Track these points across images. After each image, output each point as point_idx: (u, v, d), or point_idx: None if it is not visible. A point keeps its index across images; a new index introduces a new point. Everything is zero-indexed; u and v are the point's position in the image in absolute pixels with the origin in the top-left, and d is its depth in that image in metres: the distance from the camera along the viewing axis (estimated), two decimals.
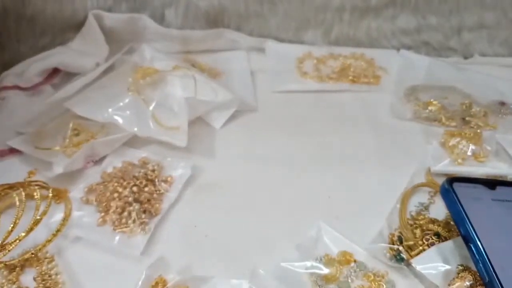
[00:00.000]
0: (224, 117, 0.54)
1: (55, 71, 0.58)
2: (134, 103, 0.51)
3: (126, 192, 0.44)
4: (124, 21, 0.61)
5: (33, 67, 0.56)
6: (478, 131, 0.51)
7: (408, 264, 0.40)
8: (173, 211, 0.45)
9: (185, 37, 0.63)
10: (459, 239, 0.41)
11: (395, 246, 0.41)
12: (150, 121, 0.51)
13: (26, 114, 0.54)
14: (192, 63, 0.62)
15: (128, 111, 0.51)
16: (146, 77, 0.53)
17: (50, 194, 0.43)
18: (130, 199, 0.44)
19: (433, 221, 0.44)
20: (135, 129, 0.50)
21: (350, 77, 0.61)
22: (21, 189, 0.43)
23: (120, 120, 0.50)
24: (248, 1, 0.62)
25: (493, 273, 0.34)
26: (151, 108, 0.51)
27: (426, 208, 0.46)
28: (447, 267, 0.38)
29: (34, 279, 0.39)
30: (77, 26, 0.61)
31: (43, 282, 0.39)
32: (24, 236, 0.40)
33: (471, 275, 0.37)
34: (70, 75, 0.58)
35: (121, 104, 0.51)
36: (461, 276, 0.37)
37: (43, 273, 0.40)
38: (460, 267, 0.38)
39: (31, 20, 0.59)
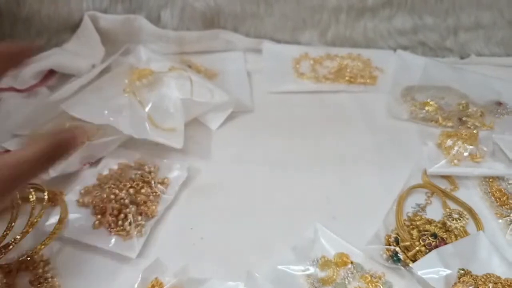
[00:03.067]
0: (220, 118, 0.54)
1: (50, 73, 0.57)
2: (130, 104, 0.51)
3: (122, 194, 0.44)
4: (119, 22, 0.61)
5: (28, 69, 0.55)
6: (475, 131, 0.51)
7: (405, 265, 0.40)
8: (170, 213, 0.45)
9: (181, 38, 0.63)
10: (459, 242, 0.41)
11: (392, 247, 0.41)
12: (146, 123, 0.50)
13: (21, 116, 0.53)
14: (188, 64, 0.62)
15: (124, 113, 0.50)
16: (142, 79, 0.52)
17: (46, 197, 0.43)
18: (127, 201, 0.44)
19: (430, 221, 0.44)
20: (131, 130, 0.49)
21: (347, 78, 0.61)
22: (16, 192, 0.43)
23: (116, 122, 0.50)
24: (244, 2, 0.62)
25: None
26: (147, 109, 0.51)
27: (423, 209, 0.46)
28: (448, 271, 0.38)
29: (30, 282, 0.39)
30: (73, 27, 0.60)
31: (39, 285, 0.39)
32: (20, 239, 0.40)
33: (472, 280, 0.37)
34: (65, 77, 0.58)
35: (117, 105, 0.51)
36: (463, 281, 0.37)
37: (39, 276, 0.39)
38: (461, 271, 0.38)
39: (26, 21, 0.58)
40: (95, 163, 0.49)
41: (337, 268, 0.40)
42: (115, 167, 0.48)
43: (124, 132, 0.49)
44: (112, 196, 0.44)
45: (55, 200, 0.45)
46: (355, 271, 0.40)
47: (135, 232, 0.42)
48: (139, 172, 0.47)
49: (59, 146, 0.32)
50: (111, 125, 0.49)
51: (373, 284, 0.39)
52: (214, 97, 0.53)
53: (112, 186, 0.45)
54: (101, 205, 0.44)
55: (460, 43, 0.66)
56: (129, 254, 0.41)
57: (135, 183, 0.46)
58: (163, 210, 0.45)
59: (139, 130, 0.50)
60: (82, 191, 0.46)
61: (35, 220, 0.41)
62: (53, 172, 0.45)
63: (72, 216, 0.43)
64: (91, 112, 0.50)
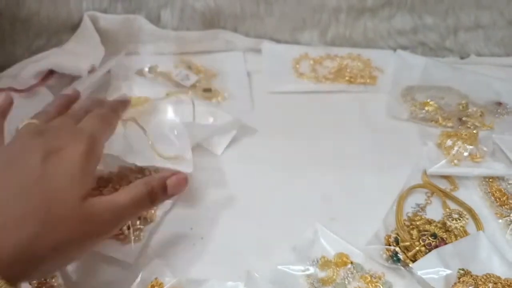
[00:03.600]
0: (225, 142, 0.51)
1: (50, 73, 0.57)
2: (129, 133, 0.48)
3: None
4: (119, 22, 0.61)
5: (28, 69, 0.55)
6: (474, 131, 0.51)
7: (405, 265, 0.40)
8: (170, 213, 0.45)
9: (181, 38, 0.63)
10: (459, 242, 0.41)
11: (392, 247, 0.41)
12: (150, 151, 0.47)
13: (20, 116, 0.53)
14: (188, 65, 0.62)
15: (123, 141, 0.47)
16: (138, 106, 0.50)
17: None
18: None
19: (430, 221, 0.44)
20: (135, 159, 0.46)
21: (347, 78, 0.61)
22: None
23: (116, 152, 0.46)
24: (244, 2, 0.62)
25: None
26: (148, 137, 0.47)
27: (423, 209, 0.46)
28: (448, 271, 0.38)
29: (30, 282, 0.39)
30: (72, 27, 0.60)
31: (39, 286, 0.39)
32: None
33: (472, 280, 0.37)
34: (65, 77, 0.58)
35: (116, 134, 0.46)
36: (463, 281, 0.37)
37: None
38: (461, 272, 0.38)
39: (25, 21, 0.58)
40: None
41: (337, 268, 0.40)
42: (115, 170, 0.48)
43: (127, 160, 0.46)
44: None
45: None
46: (355, 271, 0.40)
47: (133, 237, 0.42)
48: (139, 175, 0.47)
49: (151, 195, 0.36)
50: (107, 154, 0.45)
51: (373, 284, 0.39)
52: (217, 120, 0.52)
53: (112, 190, 0.45)
54: None
55: (460, 43, 0.66)
56: (127, 259, 0.40)
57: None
58: (162, 214, 0.44)
59: (143, 158, 0.47)
60: None
61: None
62: None
63: None
64: None
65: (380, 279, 0.40)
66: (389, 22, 0.65)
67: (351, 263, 0.41)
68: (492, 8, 0.64)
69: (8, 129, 0.51)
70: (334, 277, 0.40)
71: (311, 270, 0.40)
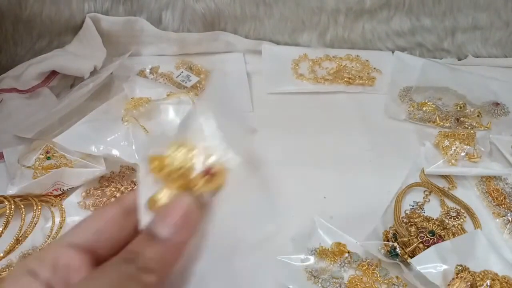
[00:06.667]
0: None
1: (52, 74, 0.58)
2: (131, 133, 0.48)
3: None
4: (121, 24, 0.61)
5: (30, 70, 0.56)
6: (472, 131, 0.52)
7: (403, 260, 0.41)
8: None
9: (182, 40, 0.63)
10: (457, 240, 0.42)
11: (390, 243, 0.41)
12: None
13: (23, 117, 0.54)
14: (189, 65, 0.62)
15: (124, 142, 0.47)
16: (139, 107, 0.50)
17: (37, 207, 0.43)
18: None
19: (428, 219, 0.45)
20: (137, 158, 0.46)
21: (345, 79, 0.62)
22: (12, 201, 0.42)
23: (117, 152, 0.46)
24: (244, 4, 0.62)
25: None
26: (149, 137, 0.48)
27: (421, 207, 0.47)
28: (445, 267, 0.39)
29: None
30: (74, 29, 0.61)
31: None
32: (23, 240, 0.40)
33: (470, 276, 0.38)
34: (67, 78, 0.58)
35: (116, 135, 0.48)
36: (461, 277, 0.38)
37: None
38: (459, 267, 0.39)
39: (28, 23, 0.59)
40: (67, 191, 0.46)
41: (335, 257, 0.41)
42: (117, 169, 0.48)
43: (129, 161, 0.46)
44: (113, 199, 0.44)
45: (51, 204, 0.45)
46: (351, 260, 0.41)
47: None
48: None
49: None
50: (112, 155, 0.47)
51: (370, 271, 0.40)
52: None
53: (114, 189, 0.46)
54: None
55: (457, 44, 0.67)
56: None
57: (136, 186, 0.45)
58: None
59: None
60: (84, 194, 0.46)
61: (32, 226, 0.42)
62: (12, 189, 0.43)
63: (73, 218, 0.44)
64: (89, 144, 0.47)
65: (376, 266, 0.40)
66: (387, 24, 0.65)
67: (348, 252, 0.41)
68: (489, 10, 0.64)
69: (9, 129, 0.52)
70: (332, 265, 0.40)
71: (309, 259, 0.41)
